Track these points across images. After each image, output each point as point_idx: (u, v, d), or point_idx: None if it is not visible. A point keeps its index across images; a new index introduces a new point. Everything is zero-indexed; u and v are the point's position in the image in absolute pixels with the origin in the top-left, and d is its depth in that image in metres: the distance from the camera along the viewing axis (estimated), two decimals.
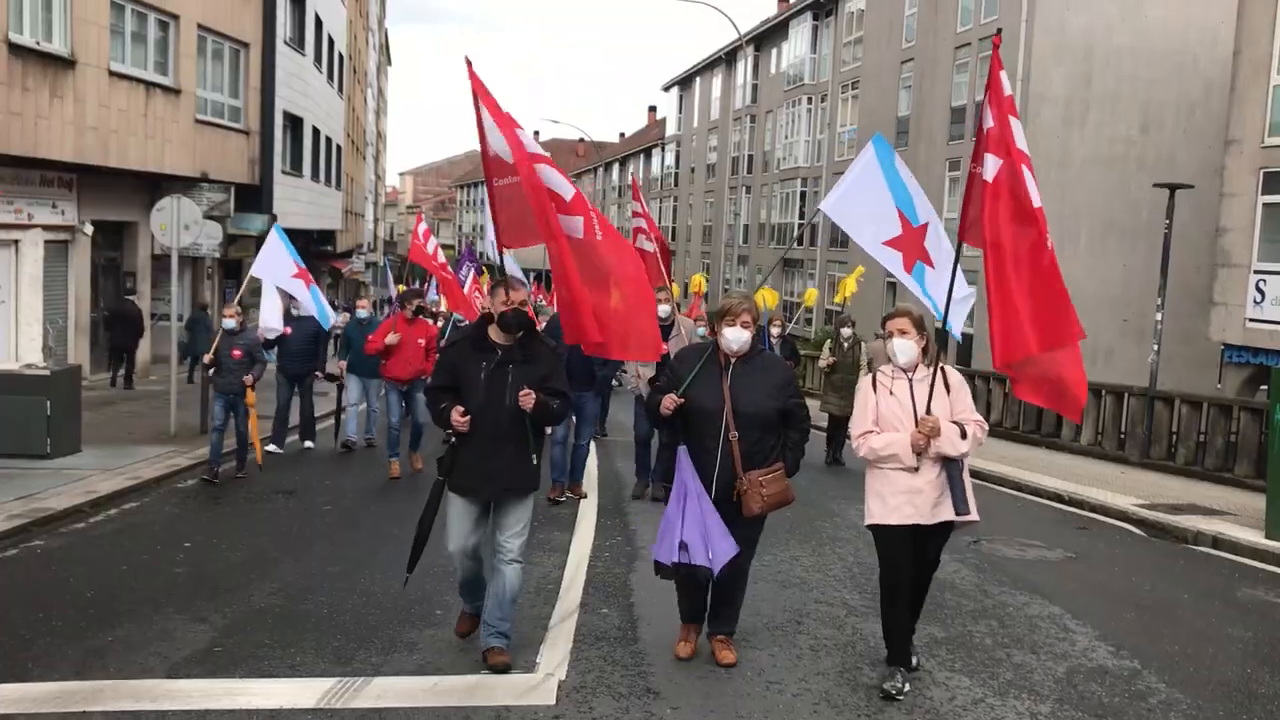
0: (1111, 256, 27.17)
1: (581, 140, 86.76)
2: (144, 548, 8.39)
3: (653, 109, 79.89)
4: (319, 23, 30.68)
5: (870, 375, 5.84)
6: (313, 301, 12.96)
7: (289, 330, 13.10)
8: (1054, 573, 8.74)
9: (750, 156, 48.42)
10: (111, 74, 17.43)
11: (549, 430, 11.54)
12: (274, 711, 5.09)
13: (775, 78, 45.96)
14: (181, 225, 14.70)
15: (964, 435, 5.47)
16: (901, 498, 5.47)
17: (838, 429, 13.78)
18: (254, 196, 23.28)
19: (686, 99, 59.63)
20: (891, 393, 5.61)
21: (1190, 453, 15.21)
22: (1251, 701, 5.85)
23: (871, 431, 5.59)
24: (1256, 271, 19.23)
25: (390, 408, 12.35)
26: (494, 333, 5.81)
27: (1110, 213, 27.28)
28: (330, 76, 34.07)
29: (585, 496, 10.78)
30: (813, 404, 10.68)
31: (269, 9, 23.98)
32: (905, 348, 5.62)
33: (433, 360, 11.08)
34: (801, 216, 41.72)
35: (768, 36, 46.94)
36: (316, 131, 30.99)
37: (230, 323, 11.22)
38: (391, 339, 11.61)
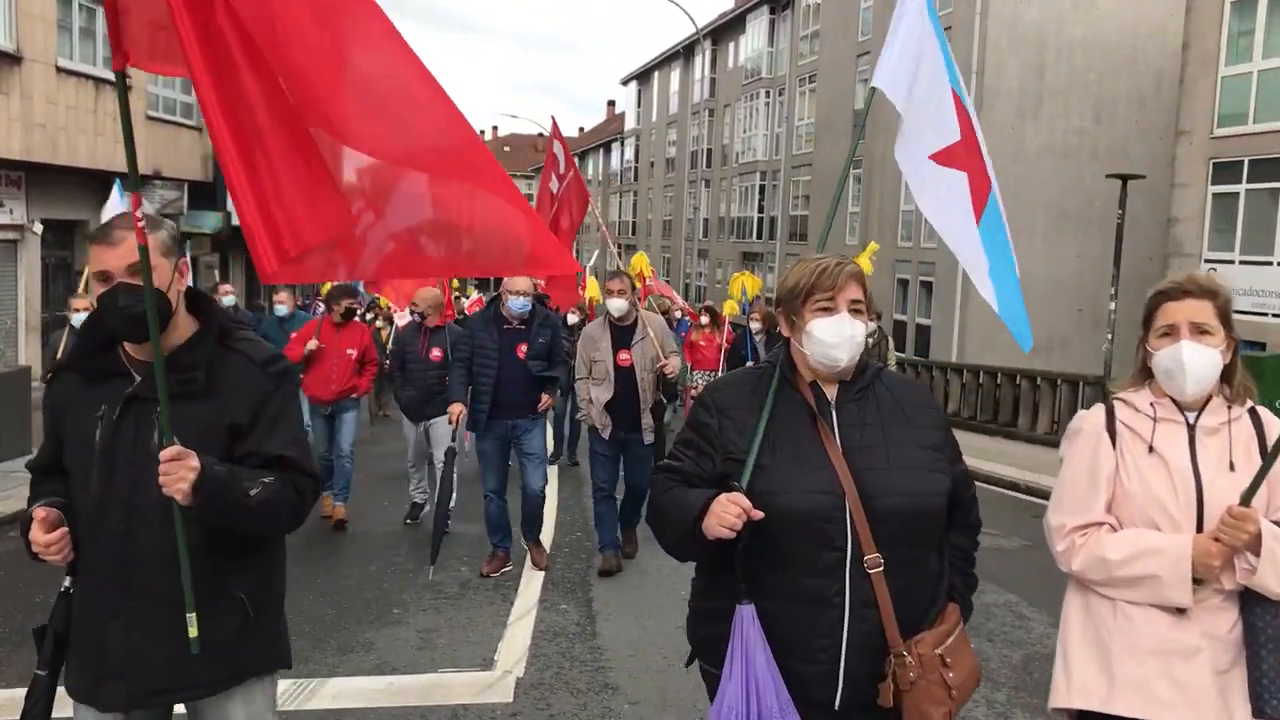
0: (1066, 247, 27.47)
1: (540, 135, 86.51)
2: None
3: (611, 103, 79.88)
4: None
5: (1104, 408, 2.89)
6: None
7: None
8: (1010, 561, 8.81)
9: (709, 150, 48.49)
10: (59, 70, 17.14)
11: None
12: None
13: (733, 71, 46.03)
14: None
15: None
16: (1154, 665, 2.65)
17: None
18: (208, 194, 23.01)
19: (645, 93, 59.62)
20: (1152, 449, 2.76)
21: None
22: None
23: (1101, 524, 2.78)
24: (1207, 261, 19.52)
25: (314, 432, 9.05)
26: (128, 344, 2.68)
27: (1064, 203, 27.58)
28: None
29: (547, 569, 7.80)
30: None
31: None
32: (1205, 361, 2.73)
33: (367, 376, 9.33)
34: (760, 210, 41.84)
35: (725, 30, 46.98)
36: None
37: (81, 318, 8.47)
38: (311, 345, 8.75)
